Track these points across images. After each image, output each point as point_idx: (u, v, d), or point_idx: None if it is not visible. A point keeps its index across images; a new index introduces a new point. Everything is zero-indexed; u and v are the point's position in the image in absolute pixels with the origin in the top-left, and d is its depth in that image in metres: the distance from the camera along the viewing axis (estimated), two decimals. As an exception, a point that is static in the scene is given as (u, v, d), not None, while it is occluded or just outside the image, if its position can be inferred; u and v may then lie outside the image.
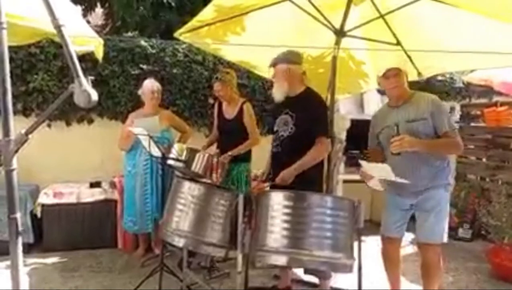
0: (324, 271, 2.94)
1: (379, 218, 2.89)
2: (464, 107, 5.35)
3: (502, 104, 4.94)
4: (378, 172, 2.44)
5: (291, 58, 2.72)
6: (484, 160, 5.04)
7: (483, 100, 5.63)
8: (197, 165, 3.03)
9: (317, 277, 3.09)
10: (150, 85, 3.70)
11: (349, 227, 2.01)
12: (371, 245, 2.96)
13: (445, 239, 2.62)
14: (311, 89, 2.80)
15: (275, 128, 2.84)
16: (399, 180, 2.30)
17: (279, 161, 2.74)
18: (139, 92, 3.77)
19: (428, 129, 2.50)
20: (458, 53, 2.76)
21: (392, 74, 2.55)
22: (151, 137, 3.03)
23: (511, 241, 3.62)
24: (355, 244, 2.01)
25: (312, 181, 2.66)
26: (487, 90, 5.32)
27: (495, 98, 5.33)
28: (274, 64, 2.74)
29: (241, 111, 3.44)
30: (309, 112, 2.66)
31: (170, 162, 3.07)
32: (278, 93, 2.76)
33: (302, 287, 3.23)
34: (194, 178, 2.82)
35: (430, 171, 2.54)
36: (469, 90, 5.64)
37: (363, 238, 2.12)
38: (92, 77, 1.15)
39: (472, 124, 5.36)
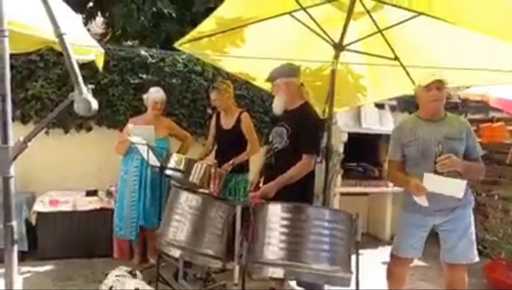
0: (316, 285, 2.93)
1: (376, 231, 2.88)
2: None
3: (497, 120, 4.98)
4: (446, 187, 2.37)
5: (289, 71, 2.75)
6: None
7: (478, 116, 5.67)
8: (195, 175, 3.03)
9: None
10: (155, 95, 3.71)
11: (346, 240, 2.00)
12: (368, 259, 2.95)
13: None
14: (309, 105, 2.84)
15: (270, 139, 2.87)
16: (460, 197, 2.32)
17: (271, 172, 2.76)
18: (144, 96, 3.78)
19: (463, 150, 2.50)
20: (455, 69, 2.79)
21: (436, 87, 2.48)
22: (149, 147, 3.04)
23: (508, 257, 3.61)
24: (353, 257, 2.00)
25: (303, 194, 2.66)
26: (483, 106, 5.36)
27: (491, 114, 5.37)
28: (273, 78, 2.76)
29: (238, 121, 3.46)
30: (302, 128, 2.68)
31: (168, 171, 3.06)
32: (277, 107, 2.79)
33: (297, 300, 3.20)
34: (191, 188, 2.81)
35: None
36: (465, 105, 5.68)
37: (360, 251, 2.12)
38: (92, 86, 1.15)
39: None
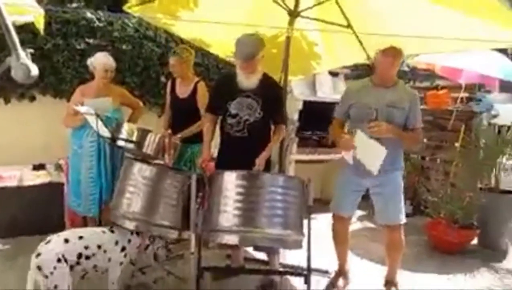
0: (271, 248, 3.04)
1: (329, 196, 3.00)
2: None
3: (442, 87, 5.24)
4: (369, 151, 2.50)
5: (262, 44, 2.66)
6: (425, 140, 5.35)
7: (426, 84, 5.93)
8: (149, 146, 2.95)
9: (265, 253, 3.18)
10: (103, 61, 3.36)
11: (299, 205, 2.07)
12: (321, 222, 3.08)
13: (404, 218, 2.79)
14: (268, 74, 2.83)
15: (233, 112, 2.71)
16: (378, 166, 2.42)
17: (244, 146, 2.67)
18: (88, 62, 3.44)
19: (402, 119, 2.63)
20: (405, 37, 2.86)
21: (392, 54, 2.58)
22: (98, 116, 2.88)
23: (447, 216, 3.91)
24: (305, 221, 2.08)
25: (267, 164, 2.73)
26: (430, 74, 5.60)
27: (437, 82, 5.64)
28: (255, 55, 2.59)
29: (194, 90, 3.37)
30: (274, 99, 2.74)
31: (120, 142, 2.96)
32: (251, 82, 2.68)
33: (254, 265, 3.30)
34: (145, 159, 2.75)
35: (391, 155, 2.61)
36: (414, 73, 5.91)
37: (313, 215, 2.20)
38: (32, 50, 1.07)
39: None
